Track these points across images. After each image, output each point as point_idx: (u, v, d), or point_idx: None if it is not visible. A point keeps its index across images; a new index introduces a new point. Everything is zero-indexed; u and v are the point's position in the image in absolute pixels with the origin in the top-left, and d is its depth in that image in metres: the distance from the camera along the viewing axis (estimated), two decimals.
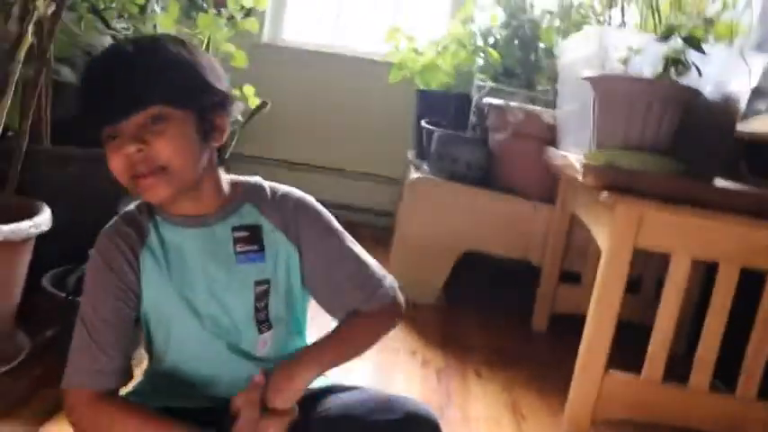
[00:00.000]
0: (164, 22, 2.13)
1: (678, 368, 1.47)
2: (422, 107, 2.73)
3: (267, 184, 0.99)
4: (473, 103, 2.46)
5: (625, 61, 1.55)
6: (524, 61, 2.58)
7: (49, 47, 1.57)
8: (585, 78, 1.58)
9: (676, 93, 1.50)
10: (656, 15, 1.82)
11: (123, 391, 0.94)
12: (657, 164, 1.47)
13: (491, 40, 2.69)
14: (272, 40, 3.45)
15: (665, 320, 1.43)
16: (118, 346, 0.90)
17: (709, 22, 1.57)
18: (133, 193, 0.87)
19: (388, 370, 1.74)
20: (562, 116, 2.09)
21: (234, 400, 0.86)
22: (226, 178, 0.96)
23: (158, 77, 0.83)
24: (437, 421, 0.88)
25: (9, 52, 1.40)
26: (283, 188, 0.99)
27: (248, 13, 2.47)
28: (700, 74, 1.52)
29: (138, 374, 0.99)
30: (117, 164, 0.84)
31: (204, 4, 2.53)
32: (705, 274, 1.95)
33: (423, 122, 2.53)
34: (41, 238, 1.38)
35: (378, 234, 2.97)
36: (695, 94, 1.52)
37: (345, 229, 1.00)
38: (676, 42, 1.49)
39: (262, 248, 0.94)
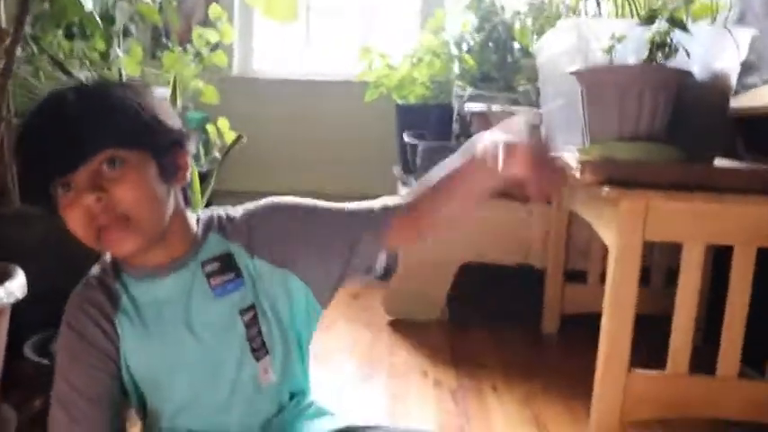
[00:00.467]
0: (128, 65, 2.07)
1: (696, 359, 1.41)
2: (402, 121, 2.68)
3: (222, 209, 0.92)
4: (455, 112, 2.41)
5: (609, 50, 1.50)
6: (501, 64, 2.55)
7: (2, 104, 1.49)
8: (571, 73, 1.52)
9: (667, 76, 1.44)
10: (632, 1, 1.78)
11: None
12: (656, 152, 1.42)
13: (465, 47, 2.65)
14: (242, 73, 3.40)
15: (685, 311, 1.37)
16: (104, 423, 0.83)
17: (690, 2, 1.52)
18: (100, 250, 0.80)
19: (401, 396, 1.66)
20: (548, 115, 2.04)
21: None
22: (191, 216, 0.89)
23: (106, 120, 0.77)
24: None
25: None
26: (244, 206, 0.92)
27: (215, 47, 2.42)
28: (688, 55, 1.47)
29: None
30: (76, 219, 0.77)
31: (169, 43, 2.48)
32: (712, 260, 1.90)
33: (405, 137, 2.48)
34: (17, 304, 1.30)
35: None
36: (686, 75, 1.47)
37: None
38: (660, 25, 1.44)
39: (239, 275, 0.86)
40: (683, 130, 1.50)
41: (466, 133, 2.35)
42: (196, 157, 2.05)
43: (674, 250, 2.05)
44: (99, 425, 0.82)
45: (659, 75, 1.44)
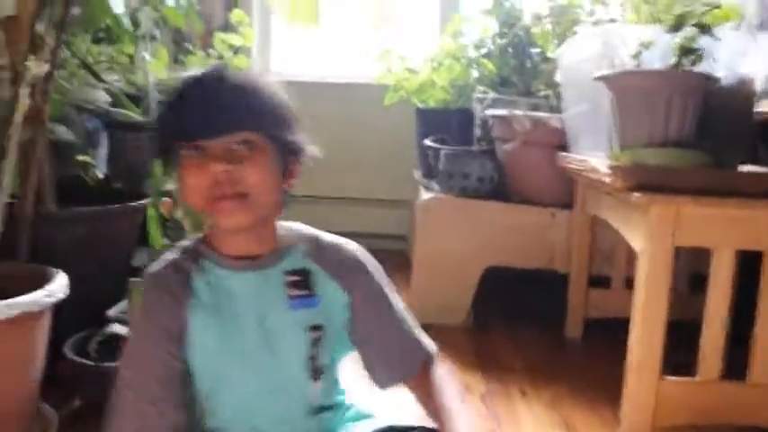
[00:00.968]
0: (155, 68, 2.09)
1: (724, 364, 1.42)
2: (423, 126, 2.68)
3: (316, 230, 0.96)
4: (476, 116, 2.42)
5: (636, 56, 1.51)
6: (520, 69, 2.55)
7: (45, 107, 1.52)
8: (598, 78, 1.53)
9: (695, 82, 1.46)
10: (651, 8, 1.79)
11: None
12: (685, 158, 1.43)
13: (483, 51, 2.66)
14: None
15: (715, 317, 1.37)
16: (170, 401, 0.83)
17: (715, 7, 1.53)
18: (206, 217, 0.83)
19: None
20: (570, 119, 2.05)
21: None
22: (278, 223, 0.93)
23: (261, 105, 0.83)
24: None
25: (5, 117, 1.35)
26: (335, 237, 0.96)
27: (236, 50, 2.44)
28: (715, 60, 1.48)
29: None
30: (199, 180, 0.80)
31: (191, 47, 2.50)
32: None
33: (427, 141, 2.49)
34: (57, 305, 1.32)
35: (393, 259, 2.90)
36: (714, 81, 1.48)
37: None
38: (688, 31, 1.45)
39: (313, 294, 0.89)
40: (708, 135, 1.51)
41: (487, 137, 2.36)
42: None
43: (697, 255, 2.06)
44: (164, 400, 0.83)
45: (688, 80, 1.46)
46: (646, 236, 1.36)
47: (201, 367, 0.86)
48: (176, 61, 2.58)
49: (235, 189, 0.80)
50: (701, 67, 1.48)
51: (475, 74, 2.64)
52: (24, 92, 1.40)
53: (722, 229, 1.34)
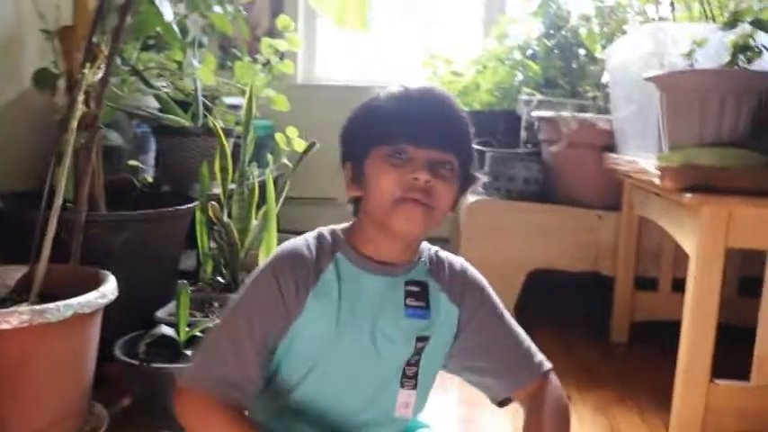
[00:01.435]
0: (203, 74, 2.13)
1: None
2: None
3: (433, 246, 0.99)
4: (523, 119, 2.39)
5: (689, 55, 1.48)
6: (566, 70, 2.52)
7: (99, 113, 1.56)
8: (649, 78, 1.50)
9: (751, 81, 1.42)
10: (706, 4, 1.75)
11: None
12: (738, 158, 1.39)
13: (529, 53, 2.64)
14: (306, 80, 3.44)
15: None
16: (258, 369, 0.86)
17: None
18: (388, 215, 0.85)
19: (475, 403, 1.65)
20: (619, 120, 2.02)
21: None
22: None
23: (468, 135, 0.89)
24: None
25: (61, 122, 1.39)
26: (447, 254, 0.99)
27: (282, 56, 2.46)
28: None
29: None
30: (397, 179, 0.84)
31: (238, 53, 2.53)
32: None
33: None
34: (107, 307, 1.35)
35: None
36: None
37: None
38: (744, 28, 1.41)
39: (428, 306, 0.92)
40: (764, 134, 1.47)
41: (533, 139, 2.34)
42: (265, 164, 2.09)
43: (746, 259, 2.01)
44: (254, 367, 0.85)
45: (743, 79, 1.42)
46: (697, 237, 1.33)
47: (305, 350, 0.89)
48: (223, 67, 2.62)
49: (426, 199, 0.84)
50: (756, 65, 1.44)
51: (520, 76, 2.62)
52: (80, 99, 1.44)
53: None
